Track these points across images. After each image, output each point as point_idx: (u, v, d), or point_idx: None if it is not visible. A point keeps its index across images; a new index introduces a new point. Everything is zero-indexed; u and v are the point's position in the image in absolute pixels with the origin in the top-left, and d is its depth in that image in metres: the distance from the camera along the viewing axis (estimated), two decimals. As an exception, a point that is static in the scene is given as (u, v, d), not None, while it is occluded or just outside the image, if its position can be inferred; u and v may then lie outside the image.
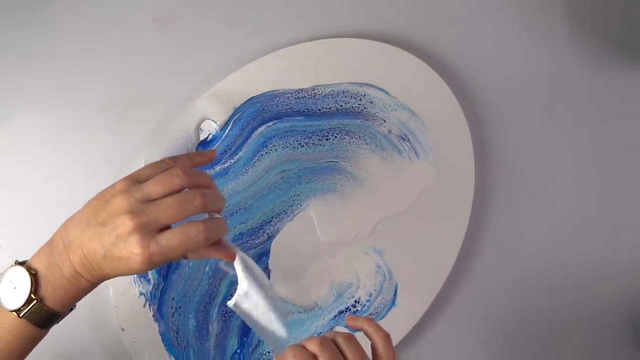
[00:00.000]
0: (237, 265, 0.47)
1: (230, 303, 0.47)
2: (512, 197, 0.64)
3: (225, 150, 0.61)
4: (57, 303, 0.42)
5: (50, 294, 0.42)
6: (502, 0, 0.64)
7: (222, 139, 0.61)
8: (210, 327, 0.60)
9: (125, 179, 0.43)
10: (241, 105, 0.61)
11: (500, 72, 0.64)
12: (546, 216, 0.64)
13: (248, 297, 0.47)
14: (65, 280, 0.42)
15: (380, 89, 0.62)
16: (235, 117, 0.61)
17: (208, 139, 0.60)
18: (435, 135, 0.62)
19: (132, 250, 0.40)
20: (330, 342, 0.41)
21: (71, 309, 0.46)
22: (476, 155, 0.61)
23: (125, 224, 0.40)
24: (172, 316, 0.60)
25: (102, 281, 0.44)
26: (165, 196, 0.41)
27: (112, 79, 0.62)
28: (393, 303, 0.61)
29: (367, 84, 0.62)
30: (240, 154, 0.61)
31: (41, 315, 0.42)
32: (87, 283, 0.43)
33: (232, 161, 0.61)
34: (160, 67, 0.62)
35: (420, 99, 0.62)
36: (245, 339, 0.60)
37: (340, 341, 0.42)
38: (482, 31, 0.64)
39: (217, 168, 0.61)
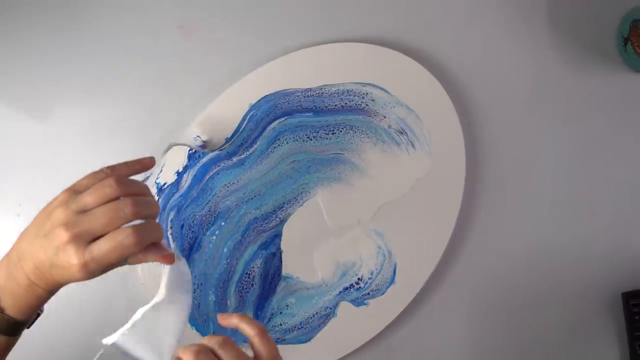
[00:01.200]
0: (165, 275, 0.44)
1: (139, 311, 0.43)
2: (498, 185, 0.64)
3: (242, 143, 0.63)
4: (18, 312, 0.42)
5: (11, 305, 0.42)
6: (489, 8, 0.64)
7: (239, 133, 0.63)
8: (228, 301, 0.62)
9: (66, 190, 0.42)
10: (256, 103, 0.63)
11: (488, 73, 0.64)
12: (529, 201, 0.64)
13: (157, 310, 0.43)
14: (22, 290, 0.42)
15: (381, 88, 0.63)
16: (251, 114, 0.63)
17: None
18: (430, 130, 0.63)
19: (70, 260, 0.39)
20: (205, 351, 0.39)
21: (38, 315, 0.46)
22: (467, 147, 0.62)
23: (62, 235, 0.39)
24: (194, 292, 0.62)
25: (57, 288, 0.44)
26: (99, 206, 0.40)
27: (140, 79, 0.64)
28: (393, 280, 0.62)
29: (369, 84, 0.63)
30: (255, 146, 0.63)
31: (6, 325, 0.42)
32: (43, 291, 0.43)
33: (248, 153, 0.63)
34: (183, 69, 0.64)
35: (416, 97, 0.63)
36: (259, 312, 0.62)
37: (216, 348, 0.40)
38: (472, 37, 0.64)
39: (235, 159, 0.62)
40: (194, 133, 0.62)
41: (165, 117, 0.64)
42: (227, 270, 0.63)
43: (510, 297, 0.64)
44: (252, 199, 0.63)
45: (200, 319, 0.63)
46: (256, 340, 0.42)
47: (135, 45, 0.64)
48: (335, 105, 0.63)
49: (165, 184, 0.63)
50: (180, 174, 0.63)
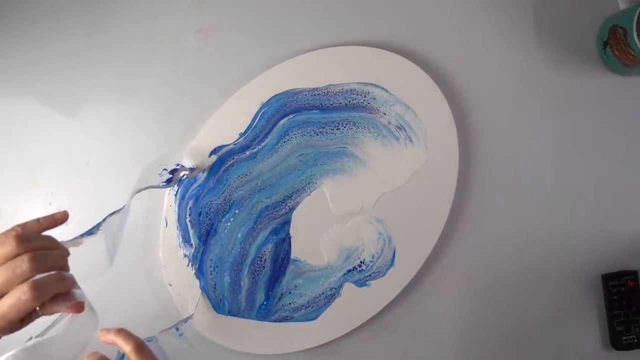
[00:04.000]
0: (68, 318, 0.43)
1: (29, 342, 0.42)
2: (489, 176, 0.65)
3: (254, 138, 0.66)
4: None
5: None
6: (481, 14, 0.66)
7: (252, 129, 0.65)
8: (241, 282, 0.65)
9: None
10: (267, 101, 0.65)
11: (479, 73, 0.66)
12: (517, 190, 0.65)
13: (48, 345, 0.42)
14: None
15: (382, 88, 0.65)
16: (263, 111, 0.65)
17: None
18: (426, 125, 0.64)
19: None
20: None
21: None
22: (459, 141, 0.64)
23: None
24: (210, 274, 0.66)
25: None
26: (1, 265, 0.40)
27: (161, 79, 0.67)
28: (392, 263, 0.64)
29: (370, 84, 0.65)
30: (267, 141, 0.65)
31: None
32: None
33: (260, 147, 0.65)
34: (200, 70, 0.67)
35: (414, 96, 0.64)
36: (270, 292, 0.65)
37: None
38: (465, 41, 0.66)
39: (247, 152, 0.65)
40: (161, 167, 0.63)
41: (184, 113, 0.67)
42: (241, 254, 0.66)
43: (500, 278, 0.66)
44: (263, 189, 0.66)
45: (216, 299, 0.66)
46: (132, 356, 0.41)
47: (156, 49, 0.67)
48: (340, 104, 0.66)
49: (184, 175, 0.67)
50: (198, 166, 0.66)
